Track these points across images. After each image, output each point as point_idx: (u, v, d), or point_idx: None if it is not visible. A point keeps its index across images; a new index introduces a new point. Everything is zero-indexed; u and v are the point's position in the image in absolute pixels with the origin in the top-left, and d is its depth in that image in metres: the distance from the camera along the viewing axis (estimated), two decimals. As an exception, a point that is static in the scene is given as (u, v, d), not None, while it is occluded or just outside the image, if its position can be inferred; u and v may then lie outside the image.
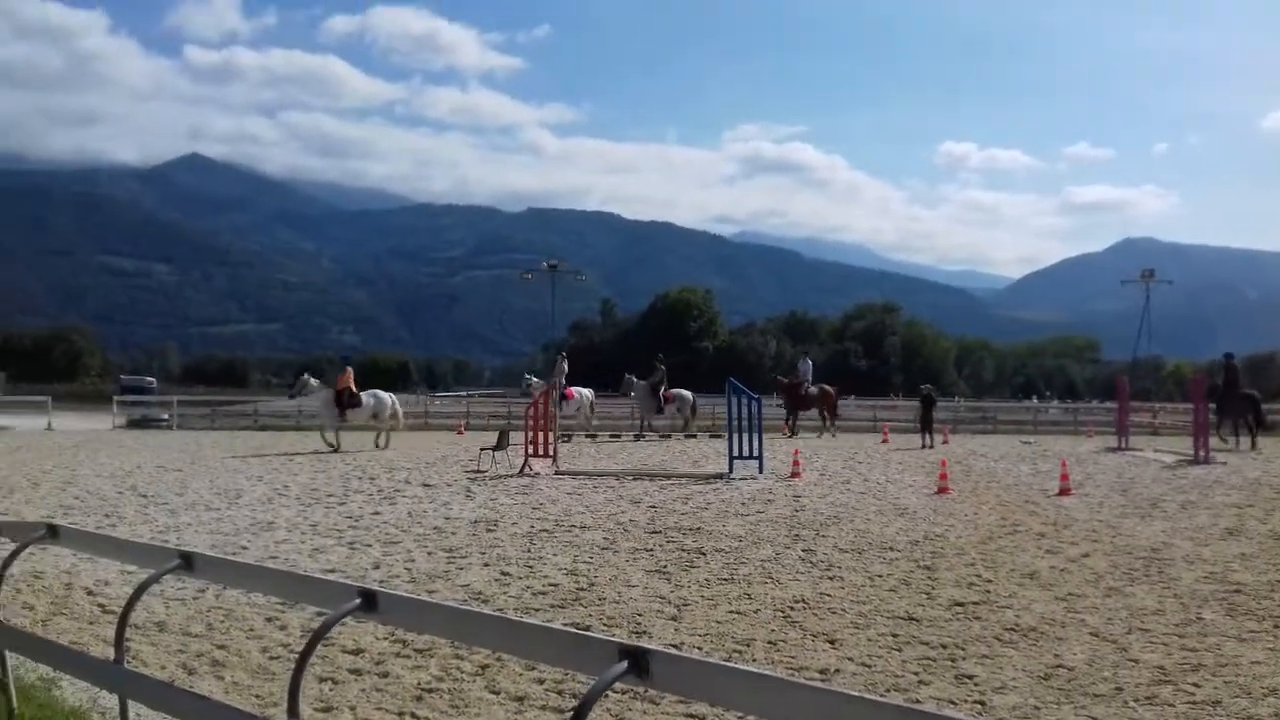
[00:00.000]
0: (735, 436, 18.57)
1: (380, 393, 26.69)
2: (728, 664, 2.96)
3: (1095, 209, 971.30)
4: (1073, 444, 29.51)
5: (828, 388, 33.38)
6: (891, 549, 10.81)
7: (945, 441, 29.51)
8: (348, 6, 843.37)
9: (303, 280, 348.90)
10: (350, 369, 26.84)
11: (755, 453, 18.31)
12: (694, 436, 30.07)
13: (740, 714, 4.52)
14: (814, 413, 32.89)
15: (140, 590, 4.46)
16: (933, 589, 8.81)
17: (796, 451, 20.74)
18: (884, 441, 29.14)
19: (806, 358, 34.82)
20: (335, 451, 23.99)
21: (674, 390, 30.97)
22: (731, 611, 7.94)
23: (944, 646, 6.96)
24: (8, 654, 5.37)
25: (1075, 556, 10.35)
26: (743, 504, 14.55)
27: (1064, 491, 15.79)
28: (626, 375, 31.99)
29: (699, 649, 6.77)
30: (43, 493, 15.67)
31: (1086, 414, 44.94)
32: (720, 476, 18.09)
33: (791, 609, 8.04)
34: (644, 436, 29.86)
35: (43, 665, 5.73)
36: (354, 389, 25.66)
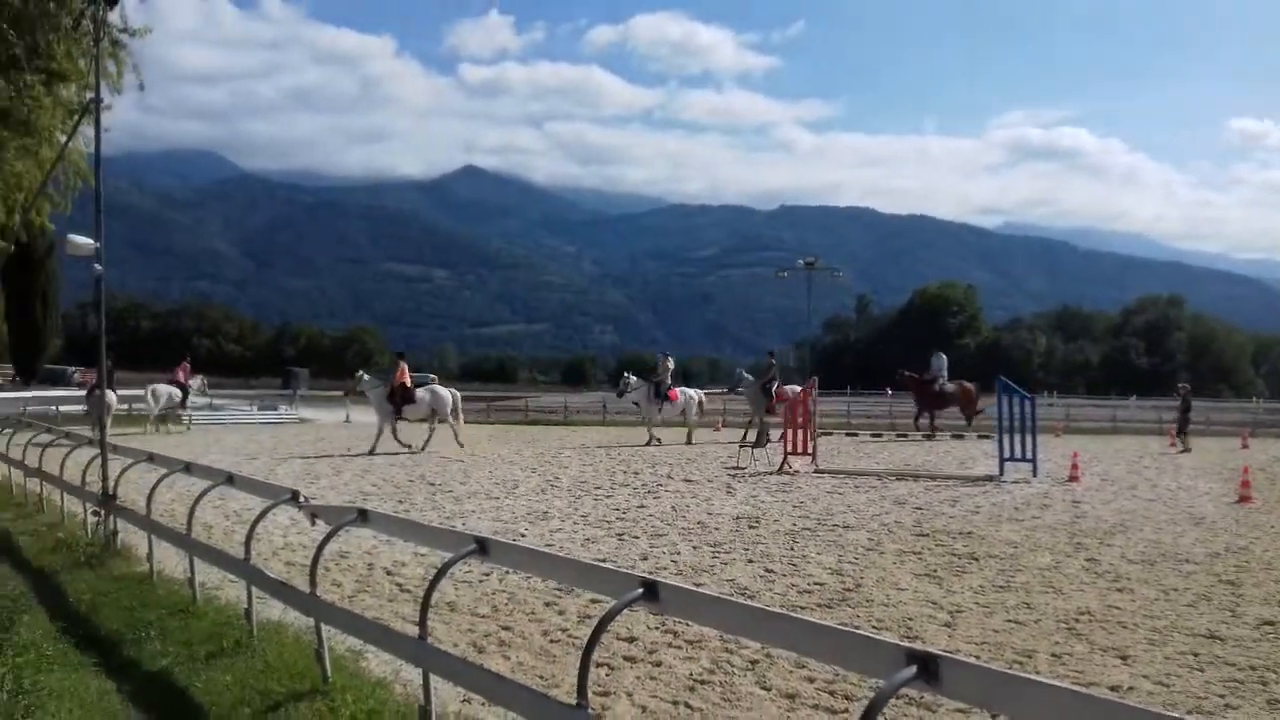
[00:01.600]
0: (1006, 438, 17.72)
1: (439, 388, 24.79)
2: (1026, 675, 2.84)
3: None
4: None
5: (967, 384, 30.76)
6: (1188, 561, 9.96)
7: (1245, 446, 26.93)
8: (610, 16, 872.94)
9: (565, 282, 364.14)
10: (404, 363, 24.99)
11: (1029, 455, 17.40)
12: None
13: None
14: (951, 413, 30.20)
15: (442, 571, 4.81)
16: (1237, 606, 8.05)
17: (1075, 454, 19.52)
18: (1171, 446, 26.93)
19: (940, 353, 31.71)
20: (409, 448, 22.94)
21: (787, 387, 28.14)
22: (1009, 621, 7.59)
23: (1253, 668, 6.35)
24: (323, 627, 5.95)
25: None
26: (1016, 508, 13.86)
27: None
28: (738, 371, 29.94)
29: (976, 658, 6.52)
30: (345, 479, 17.20)
31: None
32: (990, 479, 17.33)
33: (1076, 621, 7.58)
34: (767, 439, 27.69)
35: (351, 639, 6.27)
36: (409, 384, 23.99)
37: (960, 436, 27.48)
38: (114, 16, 13.30)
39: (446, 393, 24.49)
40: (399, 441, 23.44)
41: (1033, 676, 2.82)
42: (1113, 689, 5.94)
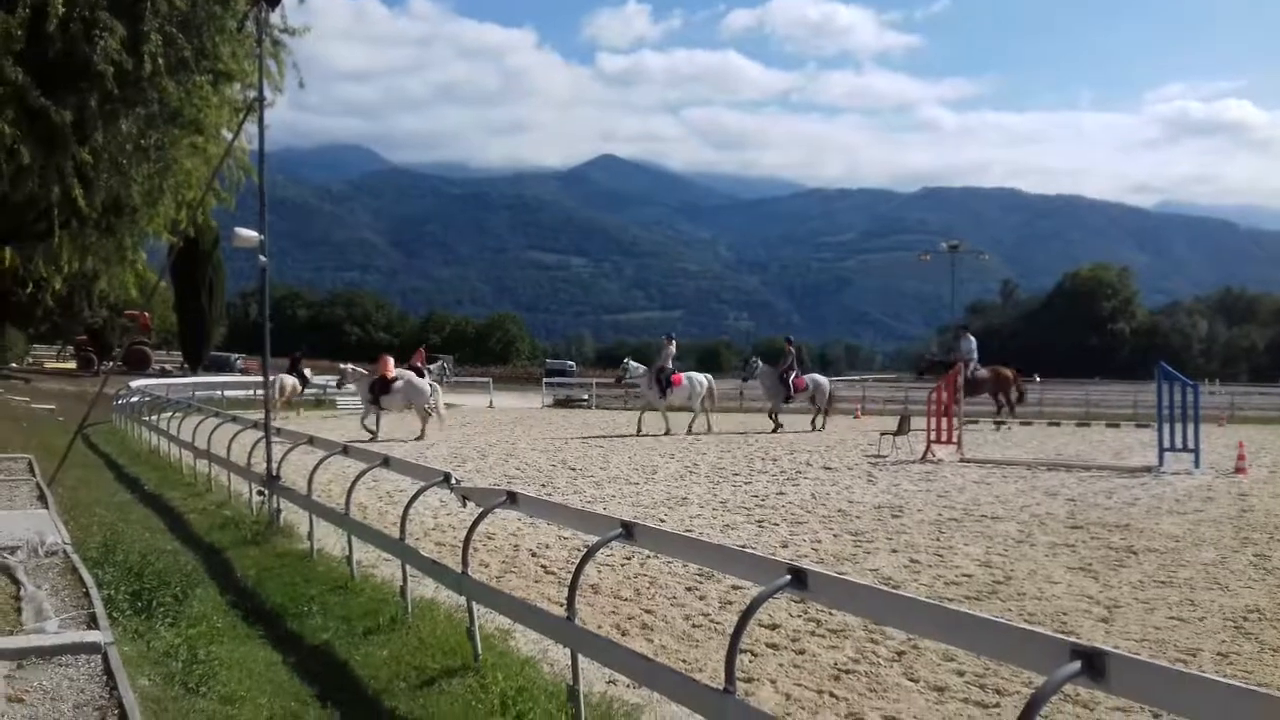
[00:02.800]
0: (1166, 427, 16.89)
1: (415, 379, 24.43)
2: (1201, 673, 2.70)
3: None
4: None
5: (1003, 369, 28.72)
6: (1371, 560, 9.30)
7: None
8: (747, 1, 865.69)
9: (701, 268, 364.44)
10: (389, 357, 25.17)
11: (1191, 445, 16.54)
12: (822, 430, 26.32)
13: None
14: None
15: (590, 553, 4.89)
16: None
17: (1241, 444, 18.45)
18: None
19: (968, 334, 29.23)
20: (372, 435, 22.47)
21: (807, 376, 27.40)
22: (1171, 618, 7.24)
23: None
24: (474, 605, 6.13)
25: None
26: (1177, 500, 13.20)
27: None
28: (752, 359, 29.08)
29: (1137, 656, 6.25)
30: (490, 463, 17.66)
31: None
32: (1148, 470, 16.54)
33: (1244, 619, 7.18)
34: (778, 426, 26.16)
35: (500, 618, 6.44)
36: (389, 376, 23.87)
37: (1001, 424, 26.19)
38: (275, 17, 13.96)
39: (424, 384, 24.50)
40: (365, 426, 23.64)
41: (1205, 674, 2.69)
42: (1289, 694, 5.60)
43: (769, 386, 27.29)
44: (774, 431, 25.53)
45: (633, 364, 28.73)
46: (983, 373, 27.73)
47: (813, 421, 27.31)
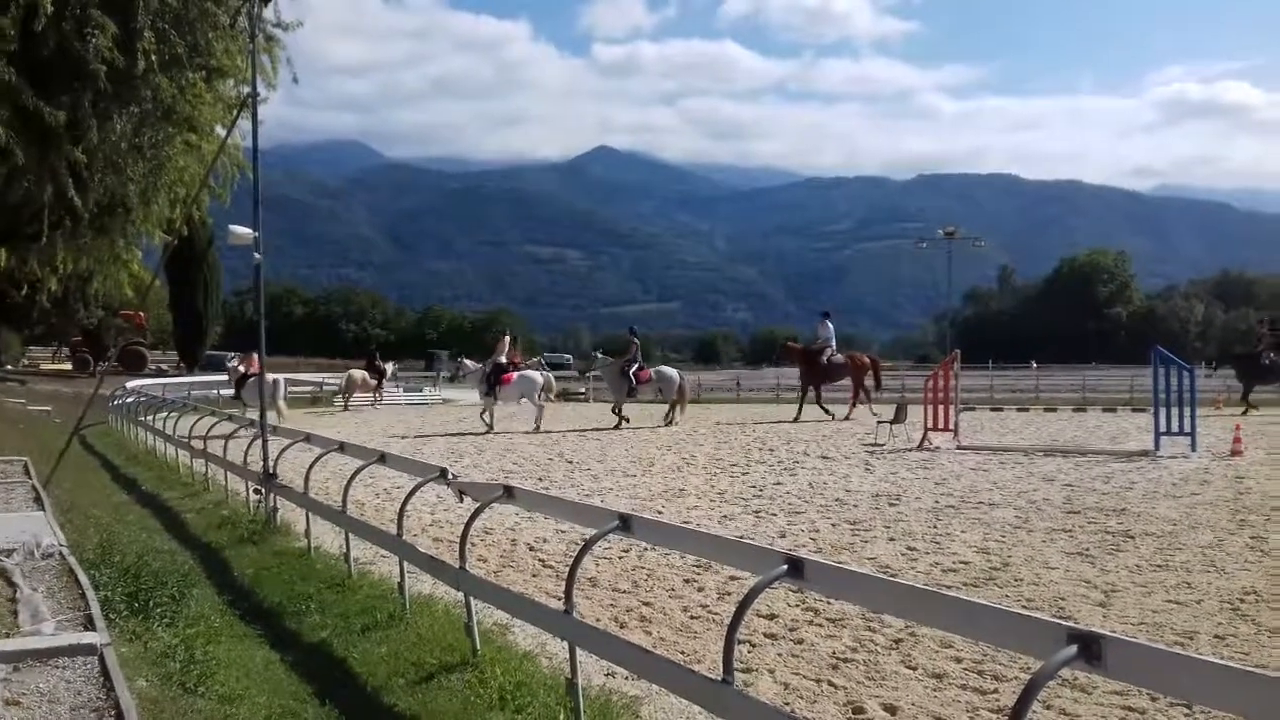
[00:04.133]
0: (1162, 411, 16.90)
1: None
2: (1198, 655, 2.70)
3: None
4: None
5: (861, 355, 28.38)
6: (1368, 541, 9.31)
7: None
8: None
9: (698, 260, 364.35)
10: (254, 355, 25.64)
11: (1187, 428, 16.55)
12: (674, 424, 24.86)
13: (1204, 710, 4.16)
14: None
15: (587, 546, 4.88)
16: None
17: (1238, 427, 18.47)
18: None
19: (827, 320, 28.23)
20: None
21: (654, 369, 26.49)
22: (1169, 601, 7.25)
23: None
24: (472, 600, 6.12)
25: None
26: (1174, 484, 13.21)
27: None
28: (594, 353, 29.20)
29: (1134, 639, 6.25)
30: (486, 458, 17.65)
31: None
32: (1145, 454, 16.55)
33: (1241, 601, 7.19)
34: (621, 421, 24.84)
35: (499, 612, 6.44)
36: (246, 373, 25.09)
37: (848, 418, 25.90)
38: (268, 12, 13.90)
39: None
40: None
41: (1202, 656, 2.69)
42: (1287, 675, 5.61)
43: (611, 381, 26.84)
44: (616, 428, 24.27)
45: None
46: (839, 359, 27.30)
47: (666, 416, 25.54)
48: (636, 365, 25.89)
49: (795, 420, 25.87)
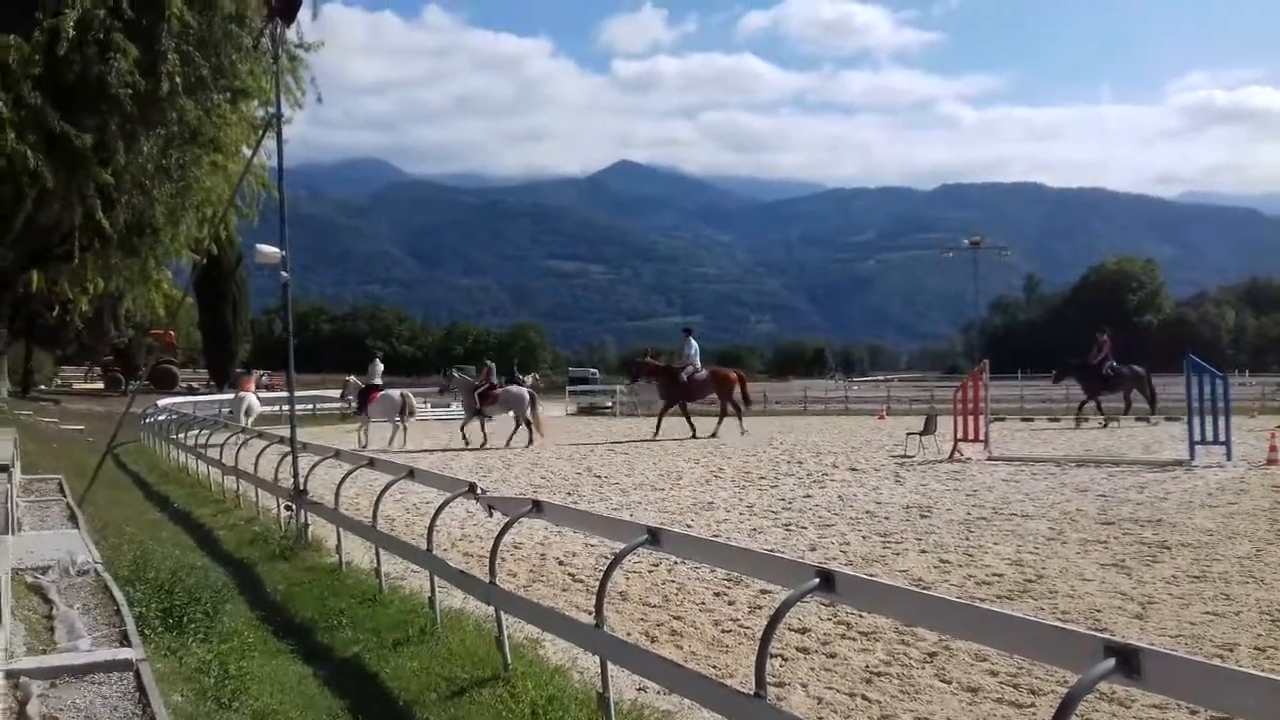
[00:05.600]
0: (1196, 420, 16.70)
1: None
2: (1238, 668, 2.66)
3: None
4: None
5: (726, 371, 27.82)
6: None
7: None
8: (763, 1, 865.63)
9: (720, 272, 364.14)
10: (252, 374, 27.08)
11: (1222, 437, 16.35)
12: (529, 446, 23.80)
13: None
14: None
15: (617, 560, 4.87)
16: None
17: (1273, 434, 18.23)
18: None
19: (690, 337, 27.80)
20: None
21: (502, 389, 25.41)
22: (1207, 613, 7.15)
23: None
24: (503, 615, 6.12)
25: None
26: (1210, 494, 13.05)
27: None
28: (450, 371, 29.88)
29: (1173, 652, 6.16)
30: (515, 473, 17.67)
31: None
32: (1179, 463, 16.36)
33: (1281, 613, 7.09)
34: (467, 442, 24.34)
35: (530, 626, 6.43)
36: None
37: (714, 434, 25.49)
38: (290, 33, 14.05)
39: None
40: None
41: (1243, 669, 2.65)
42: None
43: (463, 398, 26.87)
44: (467, 447, 23.72)
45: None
46: (702, 375, 26.73)
47: (510, 436, 24.62)
48: (486, 385, 25.61)
49: (654, 438, 25.52)
